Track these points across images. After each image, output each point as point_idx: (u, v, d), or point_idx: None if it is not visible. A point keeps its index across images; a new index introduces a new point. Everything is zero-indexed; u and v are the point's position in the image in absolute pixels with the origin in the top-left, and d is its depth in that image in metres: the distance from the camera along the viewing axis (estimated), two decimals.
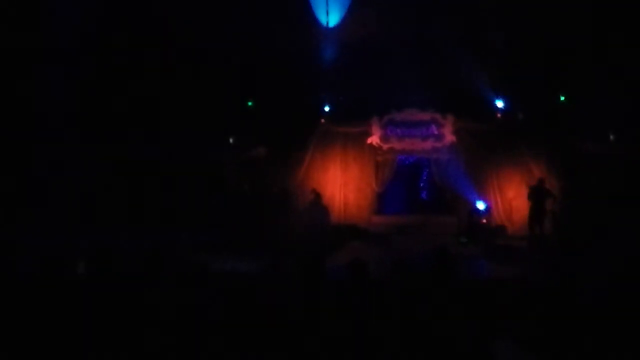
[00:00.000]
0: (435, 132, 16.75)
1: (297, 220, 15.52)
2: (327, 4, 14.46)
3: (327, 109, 17.11)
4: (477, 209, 16.05)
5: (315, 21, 15.08)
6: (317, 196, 15.28)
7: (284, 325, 4.26)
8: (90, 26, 14.24)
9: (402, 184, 18.22)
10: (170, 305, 4.48)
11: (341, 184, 17.11)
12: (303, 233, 14.54)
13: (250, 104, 16.98)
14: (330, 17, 14.92)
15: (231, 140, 17.10)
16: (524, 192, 15.01)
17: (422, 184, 18.87)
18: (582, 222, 14.21)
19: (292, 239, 14.06)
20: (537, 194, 14.18)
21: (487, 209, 16.09)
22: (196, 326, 4.25)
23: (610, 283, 5.46)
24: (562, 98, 15.65)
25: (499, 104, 16.16)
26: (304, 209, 15.48)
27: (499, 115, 16.31)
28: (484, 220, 15.91)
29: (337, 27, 15.05)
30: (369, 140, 17.04)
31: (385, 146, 17.00)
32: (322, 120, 17.22)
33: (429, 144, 16.80)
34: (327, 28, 14.91)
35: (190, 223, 14.74)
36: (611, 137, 15.24)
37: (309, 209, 15.26)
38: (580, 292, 5.30)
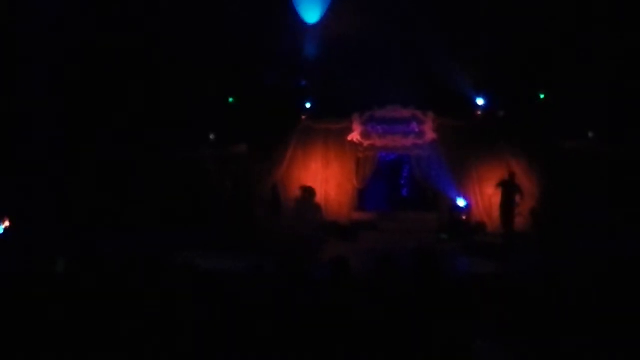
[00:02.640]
0: (416, 129, 16.80)
1: (285, 218, 15.58)
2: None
3: (308, 105, 17.10)
4: (458, 206, 16.15)
5: (296, 17, 15.03)
6: (310, 193, 15.21)
7: (267, 324, 4.26)
8: (69, 23, 14.08)
9: (383, 181, 18.29)
10: (154, 305, 4.47)
11: (322, 180, 17.09)
12: (293, 230, 14.53)
13: (231, 100, 16.91)
14: (312, 13, 14.89)
15: (212, 137, 17.03)
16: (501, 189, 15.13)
17: (402, 181, 18.95)
18: (561, 218, 14.34)
19: (279, 237, 14.08)
20: (505, 188, 14.20)
21: (468, 205, 16.20)
22: (180, 325, 4.24)
23: (590, 281, 5.53)
24: (542, 96, 15.75)
25: (480, 101, 16.24)
26: (296, 206, 15.39)
27: (479, 112, 16.39)
28: (464, 217, 16.02)
29: (319, 24, 15.01)
30: (350, 137, 17.06)
31: (366, 143, 17.02)
32: (303, 117, 17.21)
33: (409, 141, 16.84)
34: (308, 24, 14.87)
35: (173, 222, 14.68)
36: (590, 134, 15.38)
37: (300, 206, 15.21)
38: (559, 289, 5.36)
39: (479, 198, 16.41)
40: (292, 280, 4.97)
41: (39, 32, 13.67)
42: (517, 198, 14.17)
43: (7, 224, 12.00)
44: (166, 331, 4.18)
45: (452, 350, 4.06)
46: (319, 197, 16.51)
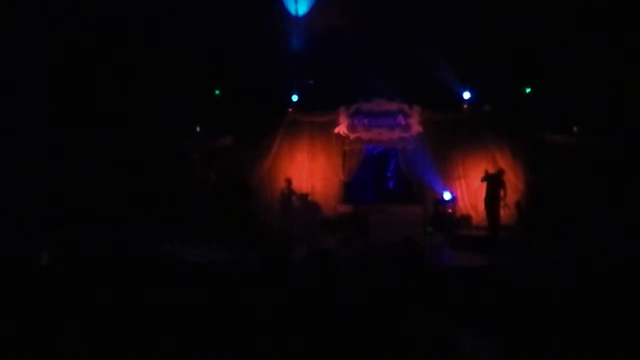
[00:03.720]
0: (403, 123, 16.81)
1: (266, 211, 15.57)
2: None
3: (294, 98, 17.08)
4: (443, 199, 16.19)
5: (283, 9, 14.98)
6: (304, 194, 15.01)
7: (252, 316, 4.25)
8: (55, 12, 13.96)
9: (369, 174, 18.32)
10: (138, 296, 4.45)
11: (308, 173, 17.08)
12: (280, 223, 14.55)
13: (217, 92, 16.83)
14: (299, 5, 14.85)
15: (198, 130, 16.96)
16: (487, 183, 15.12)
17: (388, 174, 19.00)
18: (546, 212, 14.41)
19: (264, 230, 14.08)
20: (491, 182, 14.23)
21: (453, 198, 16.25)
22: (161, 317, 4.22)
23: (575, 275, 5.56)
24: (528, 90, 15.80)
25: (466, 95, 16.30)
26: (296, 207, 15.30)
27: (465, 106, 16.44)
28: (450, 210, 16.06)
29: (306, 16, 14.98)
30: (336, 130, 17.04)
31: (352, 136, 17.01)
32: (290, 110, 17.18)
33: (396, 134, 16.86)
34: (295, 17, 14.83)
35: (157, 214, 14.61)
36: (575, 128, 15.45)
37: (300, 207, 15.11)
38: (545, 283, 5.38)
39: (464, 191, 16.50)
40: (277, 272, 4.97)
41: (28, 23, 13.55)
42: (501, 193, 14.21)
43: None
44: (151, 322, 4.17)
45: (436, 342, 4.07)
46: (305, 190, 16.49)
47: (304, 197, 14.85)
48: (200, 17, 14.53)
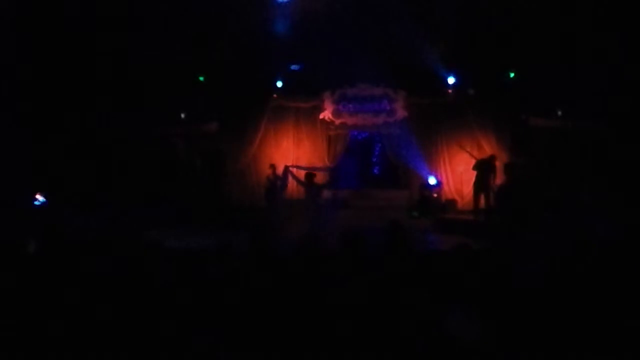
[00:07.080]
0: (387, 108, 16.84)
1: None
2: None
3: (279, 83, 17.05)
4: (428, 184, 16.24)
5: None
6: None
7: (235, 303, 4.25)
8: None
9: (354, 159, 18.35)
10: (123, 281, 4.44)
11: (294, 159, 17.08)
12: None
13: (201, 78, 16.76)
14: None
15: (182, 116, 16.89)
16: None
17: (374, 159, 19.05)
18: (529, 195, 14.48)
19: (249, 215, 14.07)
20: (483, 167, 14.26)
21: (438, 183, 16.30)
22: (147, 304, 4.21)
23: (560, 256, 5.59)
24: (512, 74, 15.83)
25: (450, 79, 16.29)
26: (266, 184, 15.26)
27: (450, 90, 16.45)
28: (435, 195, 16.11)
29: (289, 1, 14.90)
30: (321, 116, 17.06)
31: (337, 121, 17.04)
32: (275, 95, 17.16)
33: (381, 119, 16.88)
34: (279, 1, 14.75)
35: (142, 199, 14.57)
36: (558, 112, 15.52)
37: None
38: (531, 265, 5.42)
39: (449, 175, 16.54)
40: (261, 258, 4.98)
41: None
42: (491, 179, 14.26)
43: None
44: (135, 312, 4.16)
45: (423, 323, 4.10)
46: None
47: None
48: (183, 3, 14.40)
